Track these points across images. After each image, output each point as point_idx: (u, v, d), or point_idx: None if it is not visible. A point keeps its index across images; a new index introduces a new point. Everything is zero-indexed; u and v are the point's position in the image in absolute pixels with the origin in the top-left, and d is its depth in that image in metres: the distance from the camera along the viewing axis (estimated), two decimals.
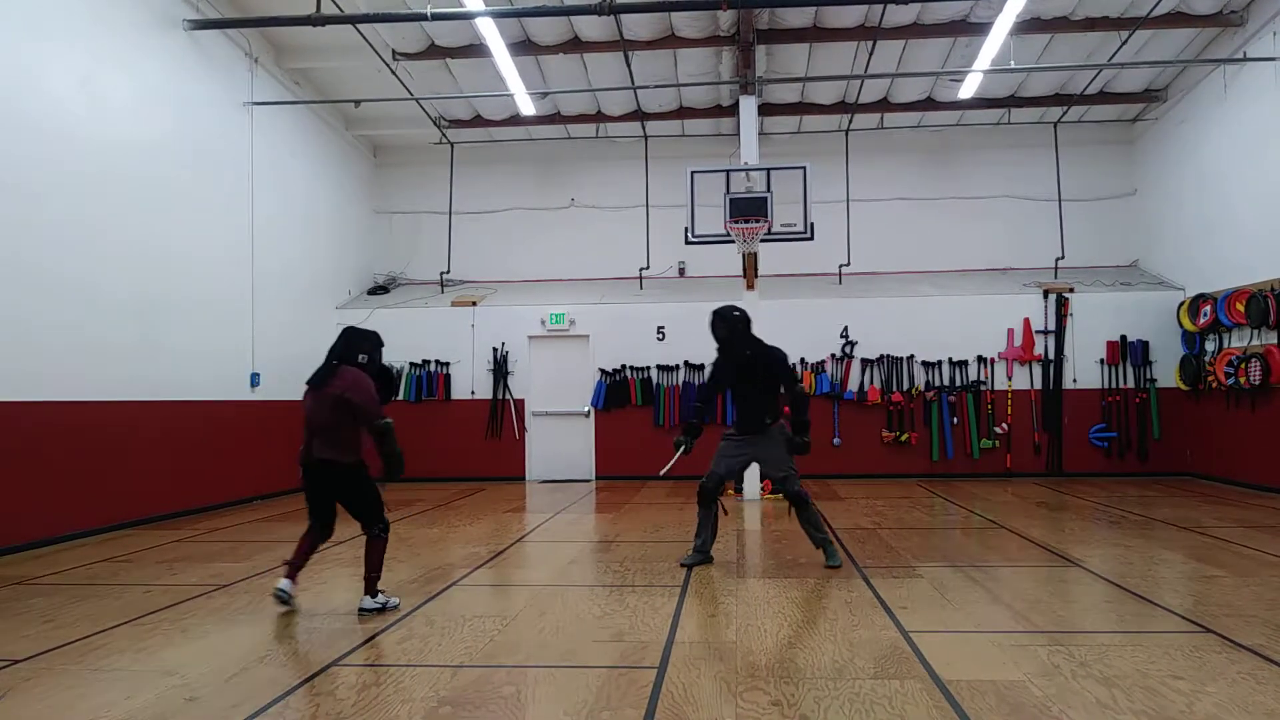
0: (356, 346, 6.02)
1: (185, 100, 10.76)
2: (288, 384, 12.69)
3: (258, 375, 12.03)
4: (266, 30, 12.27)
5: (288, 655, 4.75)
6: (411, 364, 14.61)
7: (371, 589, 5.67)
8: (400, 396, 14.53)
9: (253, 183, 12.07)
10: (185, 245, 10.61)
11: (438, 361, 14.63)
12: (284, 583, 5.75)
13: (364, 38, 11.98)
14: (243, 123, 11.97)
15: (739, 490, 11.82)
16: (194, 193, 10.84)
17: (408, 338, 14.57)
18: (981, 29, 11.93)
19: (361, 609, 5.61)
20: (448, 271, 15.78)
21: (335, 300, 14.77)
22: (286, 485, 12.76)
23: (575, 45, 12.83)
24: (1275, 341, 11.31)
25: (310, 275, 13.87)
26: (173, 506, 10.36)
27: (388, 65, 12.78)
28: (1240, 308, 11.83)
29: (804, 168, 11.70)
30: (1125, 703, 3.82)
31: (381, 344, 6.25)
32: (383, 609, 5.62)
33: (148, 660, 4.70)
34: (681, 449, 7.53)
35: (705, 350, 14.07)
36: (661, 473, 7.91)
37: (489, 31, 11.43)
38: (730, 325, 7.24)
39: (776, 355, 7.25)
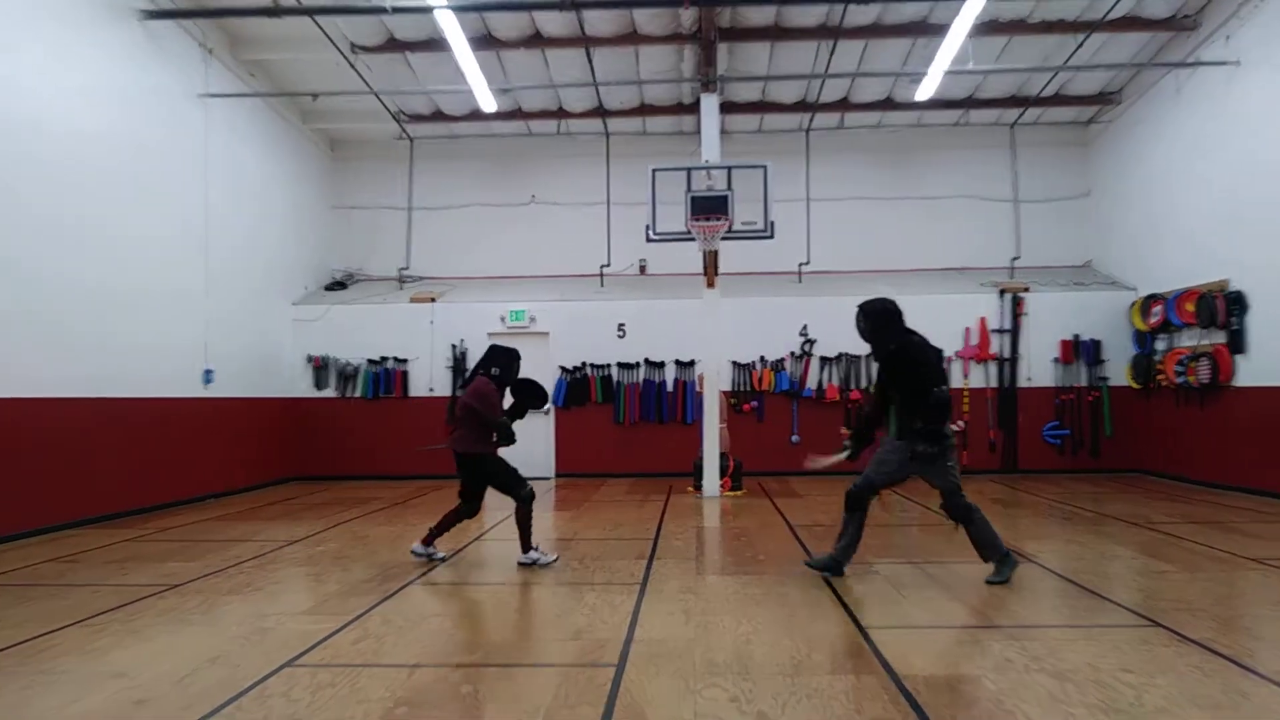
0: (490, 360, 7.16)
1: (137, 91, 10.56)
2: (241, 380, 12.58)
3: (211, 372, 11.85)
4: (222, 21, 12.08)
5: (241, 656, 4.67)
6: (369, 361, 14.47)
7: (526, 546, 7.01)
8: (357, 394, 14.40)
9: (206, 176, 11.87)
10: (136, 239, 10.40)
11: (396, 358, 14.49)
12: (417, 545, 7.30)
13: (322, 30, 11.84)
14: (197, 115, 11.77)
15: (698, 487, 11.86)
16: (146, 186, 10.63)
17: (365, 334, 14.45)
18: (941, 30, 12.04)
19: (520, 562, 7.00)
20: (406, 268, 15.65)
21: (291, 296, 14.58)
22: (240, 483, 12.62)
23: (537, 41, 12.77)
24: (1224, 341, 11.55)
25: (265, 271, 13.67)
26: (123, 505, 10.16)
27: (346, 58, 12.64)
28: (1190, 308, 12.07)
29: (764, 166, 11.75)
30: (1077, 696, 3.87)
31: (516, 358, 7.28)
32: (534, 563, 6.93)
33: (97, 662, 4.60)
34: (845, 453, 6.91)
35: (666, 348, 14.21)
36: (815, 465, 7.22)
37: (449, 25, 11.32)
38: (868, 319, 6.66)
39: (903, 352, 6.44)
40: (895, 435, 6.31)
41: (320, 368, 14.40)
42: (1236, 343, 11.32)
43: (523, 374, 7.41)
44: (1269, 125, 10.80)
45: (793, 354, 14.27)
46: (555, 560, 7.04)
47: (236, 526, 9.47)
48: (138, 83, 10.57)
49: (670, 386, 14.31)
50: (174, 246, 11.20)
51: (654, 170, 11.87)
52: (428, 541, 7.27)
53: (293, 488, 13.32)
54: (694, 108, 14.38)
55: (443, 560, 7.20)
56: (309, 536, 8.71)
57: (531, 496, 7.03)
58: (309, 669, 4.43)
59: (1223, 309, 11.43)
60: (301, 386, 14.44)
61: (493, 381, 7.07)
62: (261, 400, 13.33)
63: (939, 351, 6.58)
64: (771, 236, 11.73)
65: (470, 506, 7.24)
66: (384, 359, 14.49)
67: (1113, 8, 11.87)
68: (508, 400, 7.29)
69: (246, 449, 12.86)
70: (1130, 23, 12.36)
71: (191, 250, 11.56)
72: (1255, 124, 11.06)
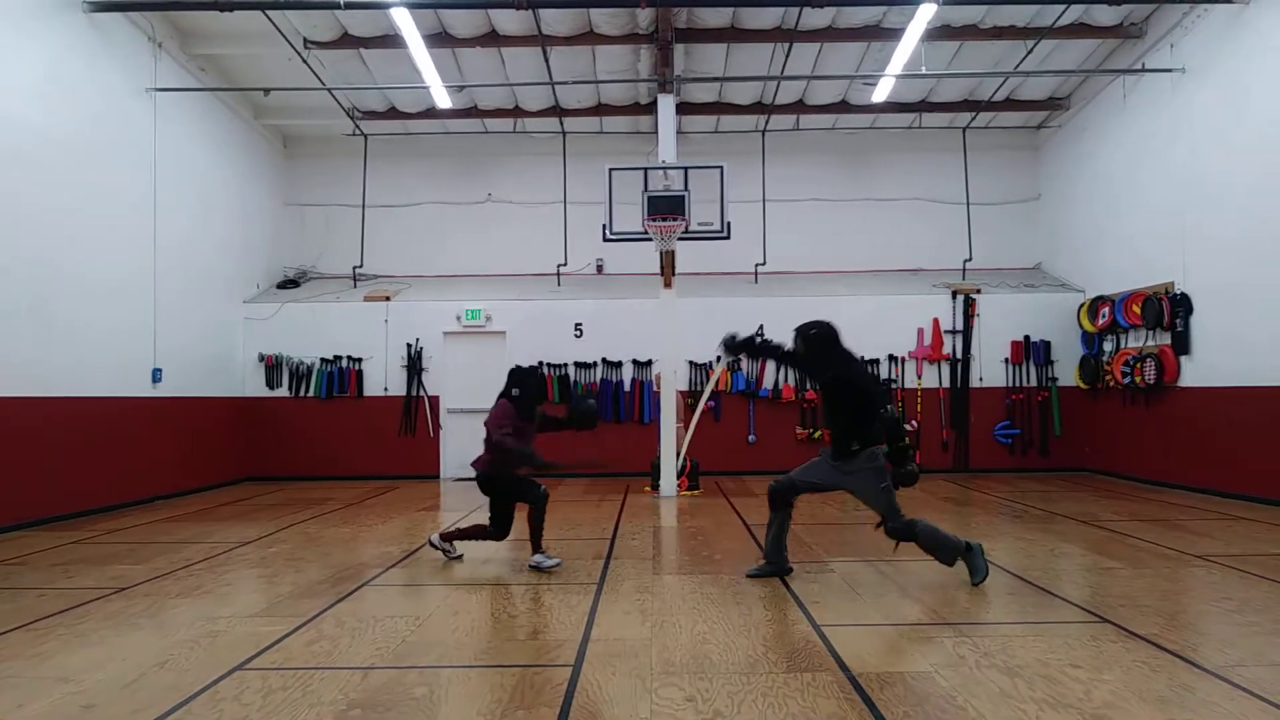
0: (511, 382, 7.17)
1: (82, 85, 10.33)
2: (192, 379, 12.39)
3: (159, 371, 11.64)
4: (171, 14, 11.86)
5: (190, 660, 4.58)
6: (322, 360, 14.29)
7: (536, 547, 6.98)
8: (311, 393, 14.23)
9: (155, 172, 11.65)
10: (82, 236, 10.19)
11: (350, 358, 14.33)
12: (434, 536, 7.35)
13: (274, 24, 11.67)
14: (145, 109, 11.55)
15: (655, 487, 11.88)
16: (91, 182, 10.41)
17: (318, 333, 14.28)
18: (894, 34, 12.19)
19: (530, 565, 6.92)
20: (361, 266, 15.48)
21: (242, 294, 14.36)
22: (191, 484, 12.42)
23: (493, 39, 12.71)
24: (1169, 342, 11.80)
25: (216, 269, 13.45)
26: (70, 507, 9.95)
27: (299, 54, 12.48)
28: (1136, 309, 12.32)
29: (721, 167, 11.80)
30: (1026, 691, 3.93)
31: (533, 375, 7.37)
32: (538, 566, 6.87)
33: (42, 666, 4.50)
34: (719, 361, 6.97)
35: (623, 347, 14.21)
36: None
37: (404, 22, 11.25)
38: (808, 343, 6.45)
39: (847, 378, 6.33)
40: (833, 456, 6.35)
41: (272, 367, 14.21)
42: (1181, 344, 11.57)
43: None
44: (1211, 131, 11.07)
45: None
46: (558, 564, 6.96)
47: (187, 528, 9.31)
48: (83, 76, 10.34)
49: (628, 386, 14.31)
50: (121, 243, 10.97)
51: (611, 170, 11.87)
52: (447, 538, 7.26)
53: (245, 488, 13.13)
54: (651, 108, 14.40)
55: (459, 558, 7.24)
56: (261, 538, 8.58)
57: (545, 497, 7.01)
58: (260, 672, 4.37)
59: (1168, 311, 11.69)
60: (253, 386, 14.23)
61: (513, 403, 7.03)
62: (212, 399, 13.12)
63: (876, 377, 6.53)
64: (728, 237, 11.79)
65: (499, 530, 7.17)
66: (338, 358, 14.33)
67: (1062, 15, 12.09)
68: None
69: (197, 449, 12.65)
70: (1079, 29, 12.59)
71: (139, 247, 11.34)
72: (1198, 130, 11.32)
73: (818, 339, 6.39)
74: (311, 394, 14.25)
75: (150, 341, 11.52)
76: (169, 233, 11.89)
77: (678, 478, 11.77)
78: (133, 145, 11.28)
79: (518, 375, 7.17)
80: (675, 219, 11.37)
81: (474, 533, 7.19)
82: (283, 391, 14.26)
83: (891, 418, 6.38)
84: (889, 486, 6.16)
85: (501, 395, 7.11)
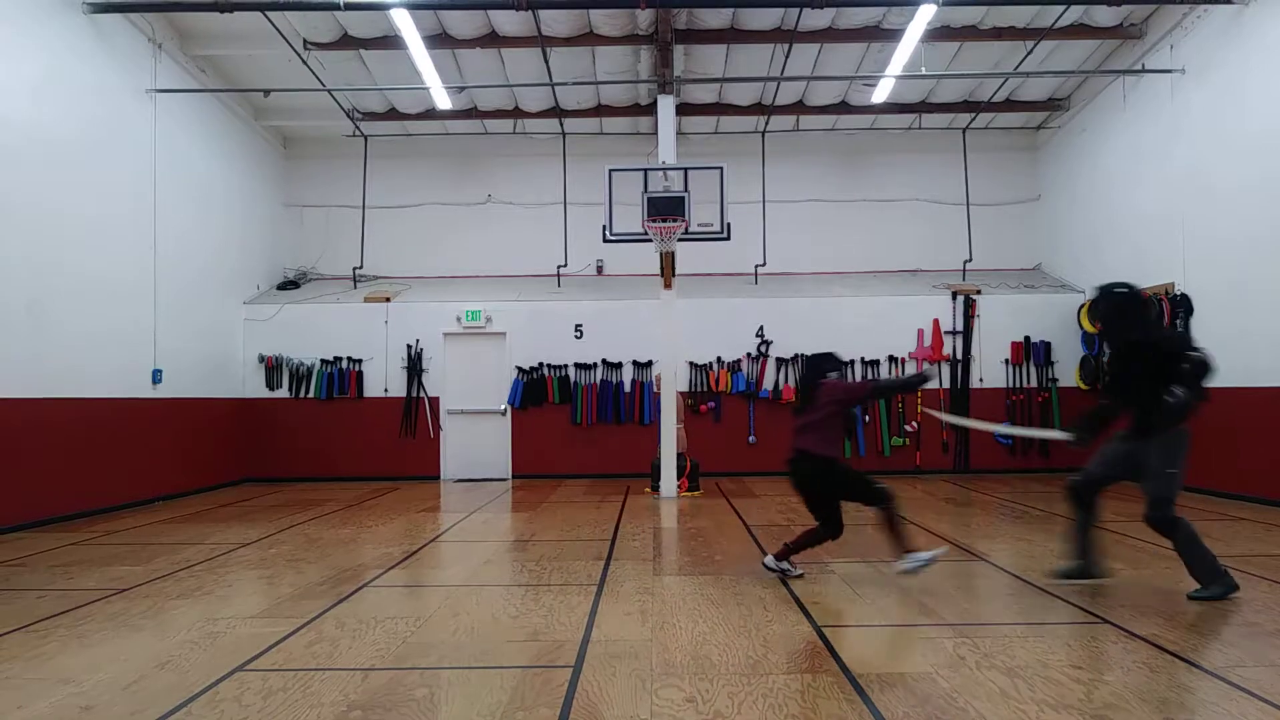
0: (826, 365, 6.66)
1: (82, 86, 10.34)
2: (192, 380, 12.40)
3: (159, 371, 11.64)
4: (171, 15, 11.88)
5: (190, 661, 4.58)
6: (323, 361, 14.29)
7: (905, 550, 6.20)
8: (311, 394, 14.23)
9: (155, 173, 11.66)
10: (81, 237, 10.20)
11: (350, 359, 14.34)
12: (769, 559, 6.54)
13: (274, 26, 11.68)
14: (145, 110, 11.56)
15: (655, 488, 11.87)
16: (91, 183, 10.42)
17: (318, 334, 14.29)
18: (894, 35, 12.20)
19: (902, 571, 6.21)
20: (361, 267, 15.49)
21: (243, 295, 14.37)
22: (191, 485, 12.42)
23: (493, 40, 12.71)
24: None
25: (216, 270, 13.46)
26: (69, 508, 9.95)
27: (299, 55, 12.49)
28: None
29: (721, 168, 11.79)
30: (1027, 692, 3.93)
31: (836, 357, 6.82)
32: (927, 564, 6.18)
33: (42, 668, 4.49)
34: (1071, 436, 6.60)
35: (623, 348, 14.21)
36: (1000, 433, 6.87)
37: (404, 23, 11.26)
38: (1108, 303, 6.07)
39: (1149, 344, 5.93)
40: (1133, 434, 6.02)
41: (272, 368, 14.21)
42: None
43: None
44: (1211, 131, 11.07)
45: (749, 355, 14.34)
46: (941, 552, 6.47)
47: (187, 529, 9.31)
48: (83, 77, 10.36)
49: (628, 387, 14.31)
50: (121, 245, 10.98)
51: (610, 171, 11.86)
52: (781, 556, 6.49)
53: (245, 489, 13.13)
54: (650, 109, 14.41)
55: (799, 576, 6.41)
56: (261, 539, 8.58)
57: (890, 496, 6.26)
58: (260, 673, 4.36)
59: (1169, 311, 11.69)
60: (253, 386, 14.23)
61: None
62: (212, 400, 13.13)
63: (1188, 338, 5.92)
64: (728, 238, 11.78)
65: (832, 529, 6.37)
66: (338, 359, 14.33)
67: (1061, 15, 12.09)
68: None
69: (197, 450, 12.65)
70: (1078, 30, 12.59)
71: (139, 248, 11.35)
72: (1198, 130, 11.32)
73: (1120, 299, 6.01)
74: (311, 395, 14.26)
75: (150, 342, 11.53)
76: (169, 234, 11.90)
77: (678, 479, 11.77)
78: (132, 146, 11.29)
79: (828, 358, 6.73)
80: (675, 220, 11.36)
81: (808, 540, 6.42)
82: (283, 392, 14.26)
83: (1201, 360, 5.67)
84: (1177, 473, 5.84)
85: (820, 379, 6.53)
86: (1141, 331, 5.96)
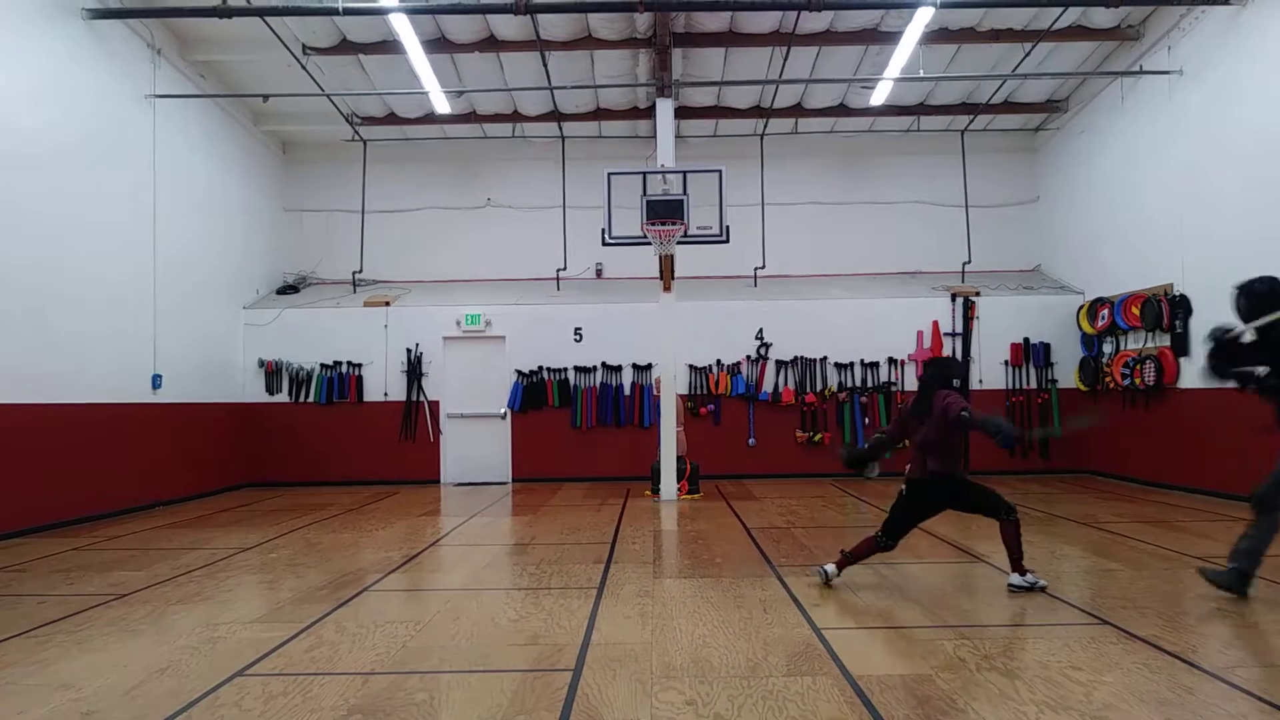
0: (949, 371, 6.53)
1: (82, 92, 10.36)
2: (192, 385, 12.41)
3: (159, 377, 11.65)
4: (170, 21, 11.89)
5: (191, 666, 4.59)
6: (322, 365, 14.30)
7: (1018, 567, 6.12)
8: (311, 398, 14.23)
9: (155, 179, 11.67)
10: (81, 242, 10.20)
11: (350, 363, 14.34)
12: (830, 567, 6.38)
13: (273, 31, 11.69)
14: (145, 116, 11.57)
15: (656, 491, 11.87)
16: (91, 189, 10.43)
17: (318, 338, 14.29)
18: (892, 38, 12.21)
19: (1010, 585, 6.11)
20: (360, 271, 15.49)
21: (242, 300, 14.37)
22: (191, 490, 12.43)
23: (491, 44, 12.72)
24: (1168, 344, 11.80)
25: (216, 274, 13.47)
26: (70, 513, 9.95)
27: (298, 60, 12.50)
28: (1136, 311, 12.33)
29: (720, 171, 11.80)
30: (1026, 694, 3.93)
31: (960, 366, 6.32)
32: (1031, 588, 6.02)
33: (42, 673, 4.50)
34: None
35: (623, 351, 14.22)
36: None
37: (403, 28, 11.27)
38: (1250, 299, 6.02)
39: None
40: None
41: (272, 372, 14.21)
42: (1181, 345, 11.58)
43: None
44: (1209, 133, 11.07)
45: (749, 358, 14.35)
46: (1045, 585, 6.14)
47: (187, 534, 9.32)
48: (83, 83, 10.37)
49: (627, 390, 14.32)
50: (120, 249, 10.98)
51: (609, 174, 11.86)
52: (841, 565, 6.40)
53: (245, 494, 13.13)
54: (649, 112, 14.42)
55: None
56: (261, 544, 8.58)
57: (1014, 510, 6.18)
58: (260, 678, 4.37)
59: (1167, 312, 11.70)
60: (253, 391, 14.23)
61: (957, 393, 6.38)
62: (212, 405, 13.13)
63: None
64: (727, 241, 11.78)
65: (891, 538, 6.32)
66: (338, 363, 14.34)
67: (1059, 17, 12.10)
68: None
69: (197, 455, 12.65)
70: (1076, 32, 12.60)
71: (139, 253, 11.35)
72: (1196, 131, 11.32)
73: (1263, 294, 5.94)
74: (311, 399, 14.26)
75: (150, 347, 11.53)
76: (168, 239, 11.91)
77: (678, 481, 11.77)
78: (132, 151, 11.30)
79: (954, 364, 6.58)
80: (674, 223, 11.37)
81: (865, 550, 6.38)
82: (283, 397, 14.26)
83: None
84: None
85: (939, 386, 6.33)
86: None
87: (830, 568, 6.35)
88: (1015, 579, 6.10)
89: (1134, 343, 12.64)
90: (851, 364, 14.29)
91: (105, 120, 10.77)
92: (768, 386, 14.31)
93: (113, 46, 10.96)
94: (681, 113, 14.43)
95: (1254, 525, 5.75)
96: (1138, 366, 12.23)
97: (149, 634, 5.26)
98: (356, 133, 15.20)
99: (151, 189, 11.60)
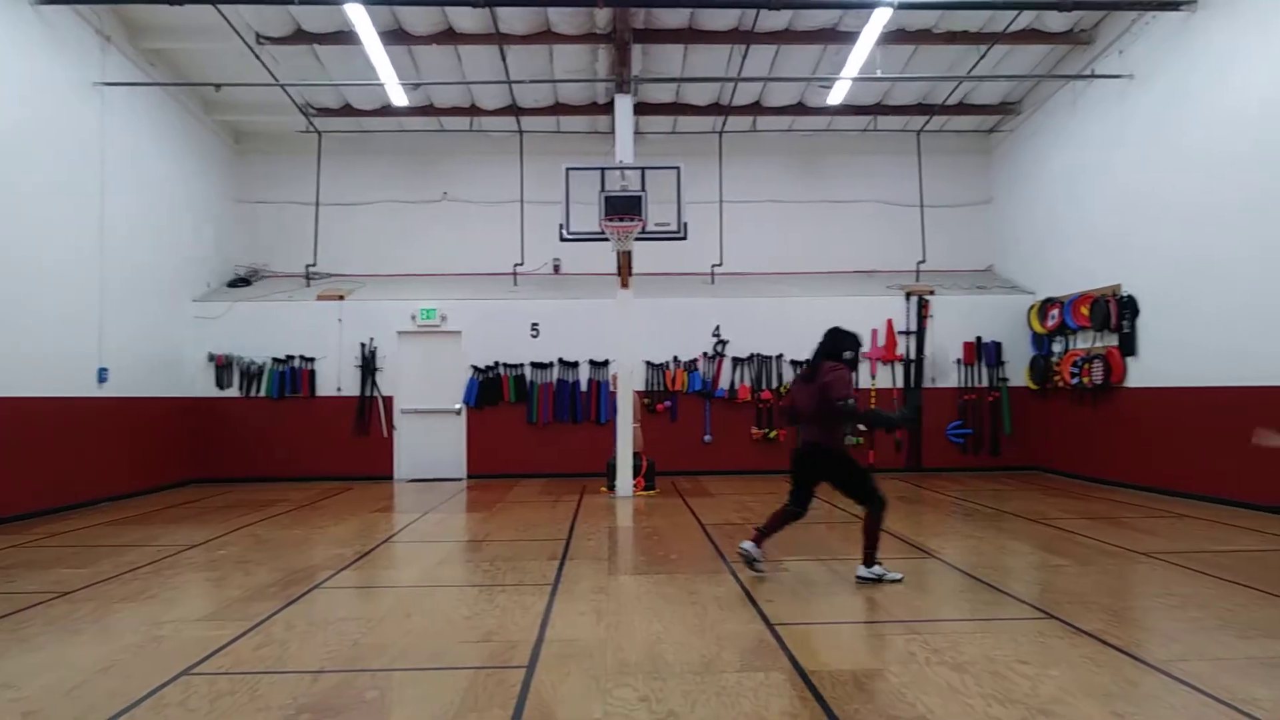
0: (839, 344, 6.51)
1: (28, 78, 10.11)
2: (139, 379, 12.17)
3: (105, 370, 11.40)
4: (120, 7, 11.66)
5: (135, 665, 4.50)
6: (274, 360, 14.08)
7: (868, 560, 6.23)
8: (262, 393, 14.02)
9: (103, 167, 11.42)
10: (26, 232, 9.96)
11: (302, 357, 14.14)
12: (748, 544, 6.46)
13: (225, 19, 11.48)
14: (93, 104, 11.32)
15: (611, 487, 11.86)
16: (37, 177, 10.19)
17: (270, 332, 14.08)
18: (850, 38, 12.29)
19: (858, 577, 6.24)
20: (314, 264, 15.28)
21: (192, 293, 14.11)
22: (137, 486, 12.19)
23: (449, 36, 12.61)
24: (1115, 344, 12.02)
25: (165, 266, 13.20)
26: (11, 510, 9.70)
27: (251, 49, 12.29)
28: (1085, 311, 12.54)
29: (678, 168, 11.82)
30: (974, 687, 3.98)
31: (856, 339, 6.64)
32: (879, 580, 6.17)
33: None
34: None
35: (580, 348, 14.18)
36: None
37: (359, 18, 11.13)
38: None
39: None
40: None
41: (223, 366, 13.98)
42: (1128, 345, 11.80)
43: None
44: (1158, 136, 11.29)
45: (705, 355, 14.38)
46: (901, 578, 6.25)
47: (132, 531, 9.13)
48: (28, 69, 10.12)
49: (584, 386, 14.28)
50: (65, 242, 10.73)
51: (568, 169, 11.83)
52: (758, 541, 6.47)
53: (193, 490, 12.91)
54: (609, 108, 14.37)
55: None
56: (210, 540, 8.44)
57: (884, 503, 6.26)
58: (207, 677, 4.30)
59: (1115, 313, 11.91)
60: (203, 385, 13.99)
61: (848, 367, 6.40)
62: (160, 400, 12.88)
63: None
64: (685, 238, 11.81)
65: (800, 506, 6.45)
66: (290, 357, 14.13)
67: (1014, 20, 12.27)
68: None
69: (144, 450, 12.40)
70: (1030, 35, 12.78)
71: (84, 245, 11.09)
72: (1145, 135, 11.54)
73: None
74: (263, 394, 14.05)
75: (95, 341, 11.28)
76: (115, 230, 11.65)
77: (634, 478, 11.76)
78: (78, 140, 11.04)
79: (846, 336, 6.51)
80: (632, 219, 11.37)
81: (777, 525, 6.48)
82: (233, 391, 14.04)
83: None
84: None
85: (827, 358, 6.42)
86: None
87: (748, 545, 6.45)
88: (862, 570, 6.26)
89: (1083, 342, 12.86)
90: (807, 361, 14.34)
91: (51, 108, 10.52)
92: (724, 383, 14.35)
93: (60, 33, 10.70)
94: (640, 109, 14.41)
95: None
96: (1086, 366, 12.44)
97: (91, 632, 5.16)
98: (311, 124, 14.99)
99: (98, 178, 11.35)
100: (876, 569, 6.23)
